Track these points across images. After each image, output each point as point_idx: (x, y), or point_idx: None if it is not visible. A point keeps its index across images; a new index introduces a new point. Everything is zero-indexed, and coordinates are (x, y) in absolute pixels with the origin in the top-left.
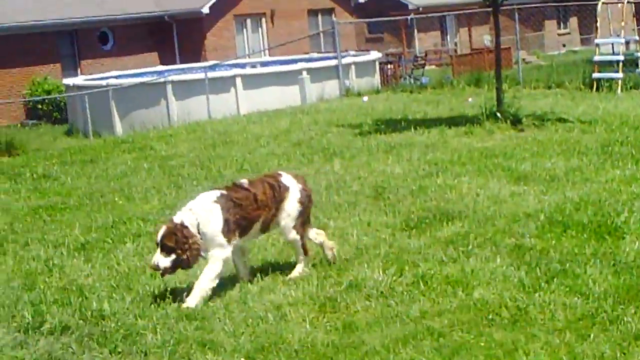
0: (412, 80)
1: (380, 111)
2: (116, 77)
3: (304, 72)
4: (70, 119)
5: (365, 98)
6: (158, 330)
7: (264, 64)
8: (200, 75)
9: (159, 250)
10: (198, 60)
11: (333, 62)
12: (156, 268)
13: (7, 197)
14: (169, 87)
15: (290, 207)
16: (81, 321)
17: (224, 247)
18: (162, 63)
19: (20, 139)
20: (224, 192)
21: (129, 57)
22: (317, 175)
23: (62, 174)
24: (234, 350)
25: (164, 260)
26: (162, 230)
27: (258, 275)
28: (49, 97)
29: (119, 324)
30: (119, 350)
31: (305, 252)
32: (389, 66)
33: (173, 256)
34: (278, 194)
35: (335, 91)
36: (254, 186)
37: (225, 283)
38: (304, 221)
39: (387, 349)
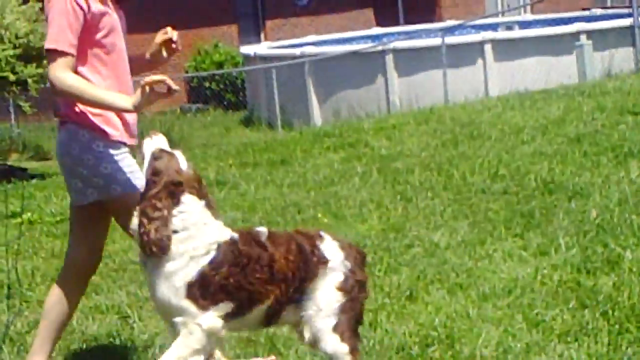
0: None
1: None
2: (315, 44)
3: (583, 37)
4: (249, 103)
5: None
6: None
7: (524, 25)
8: (435, 41)
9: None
10: (431, 20)
11: (626, 22)
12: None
13: None
14: (389, 58)
15: (325, 295)
16: None
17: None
18: (380, 24)
19: (180, 130)
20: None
21: (333, 15)
22: (605, 184)
23: (242, 179)
24: None
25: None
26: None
27: (514, 323)
28: (220, 72)
29: None
30: None
31: None
32: None
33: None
34: (309, 265)
35: (629, 63)
36: (275, 242)
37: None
38: (355, 322)
39: None
